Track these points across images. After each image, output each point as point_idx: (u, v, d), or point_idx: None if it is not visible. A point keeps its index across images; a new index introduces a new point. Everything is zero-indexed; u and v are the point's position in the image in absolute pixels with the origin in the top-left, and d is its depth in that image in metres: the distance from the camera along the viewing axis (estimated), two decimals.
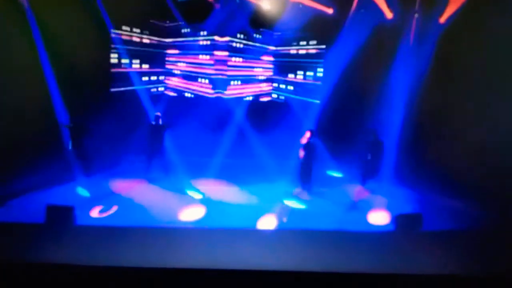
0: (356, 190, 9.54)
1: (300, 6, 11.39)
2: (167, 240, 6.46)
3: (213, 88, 12.17)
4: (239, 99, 12.28)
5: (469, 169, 8.31)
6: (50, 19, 9.60)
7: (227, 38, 11.94)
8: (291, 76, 12.52)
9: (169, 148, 10.29)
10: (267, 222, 7.69)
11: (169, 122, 10.24)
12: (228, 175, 10.14)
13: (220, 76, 12.15)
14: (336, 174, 11.07)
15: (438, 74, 9.79)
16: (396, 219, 7.04)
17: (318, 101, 12.12)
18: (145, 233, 6.74)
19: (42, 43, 9.67)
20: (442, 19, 10.04)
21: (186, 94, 12.29)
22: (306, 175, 9.44)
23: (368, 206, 8.52)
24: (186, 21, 11.86)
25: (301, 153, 9.44)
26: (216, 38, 11.92)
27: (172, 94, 12.30)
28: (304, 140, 9.45)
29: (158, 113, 10.24)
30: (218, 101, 12.13)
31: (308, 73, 12.35)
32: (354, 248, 6.39)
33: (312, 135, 9.47)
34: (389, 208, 8.21)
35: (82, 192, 9.00)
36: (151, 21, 11.81)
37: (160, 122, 10.08)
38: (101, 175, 9.80)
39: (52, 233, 6.53)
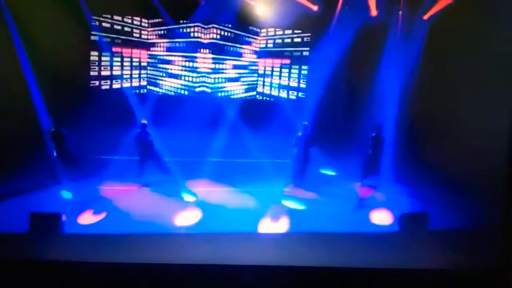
0: (360, 188, 9.34)
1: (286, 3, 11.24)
2: (161, 245, 6.19)
3: (198, 87, 11.85)
4: (226, 97, 11.98)
5: (467, 167, 8.28)
6: (27, 15, 9.17)
7: (212, 31, 11.63)
8: (277, 74, 12.30)
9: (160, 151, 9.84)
10: (267, 225, 7.48)
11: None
12: (221, 176, 9.82)
13: (204, 73, 11.84)
14: (329, 173, 10.93)
15: (429, 71, 9.78)
16: (401, 218, 6.95)
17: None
18: (138, 239, 6.46)
19: (20, 43, 9.22)
20: (427, 16, 10.09)
21: (171, 92, 11.86)
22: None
23: (375, 205, 8.43)
24: (170, 18, 11.46)
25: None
26: (200, 28, 11.58)
27: (156, 91, 11.80)
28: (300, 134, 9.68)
29: (145, 121, 9.72)
30: (204, 100, 11.76)
31: (295, 71, 12.18)
32: (359, 247, 6.26)
33: (307, 129, 9.69)
34: (390, 206, 8.13)
35: (68, 196, 8.54)
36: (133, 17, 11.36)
37: (147, 130, 9.60)
38: (90, 180, 9.23)
39: (38, 242, 6.13)
